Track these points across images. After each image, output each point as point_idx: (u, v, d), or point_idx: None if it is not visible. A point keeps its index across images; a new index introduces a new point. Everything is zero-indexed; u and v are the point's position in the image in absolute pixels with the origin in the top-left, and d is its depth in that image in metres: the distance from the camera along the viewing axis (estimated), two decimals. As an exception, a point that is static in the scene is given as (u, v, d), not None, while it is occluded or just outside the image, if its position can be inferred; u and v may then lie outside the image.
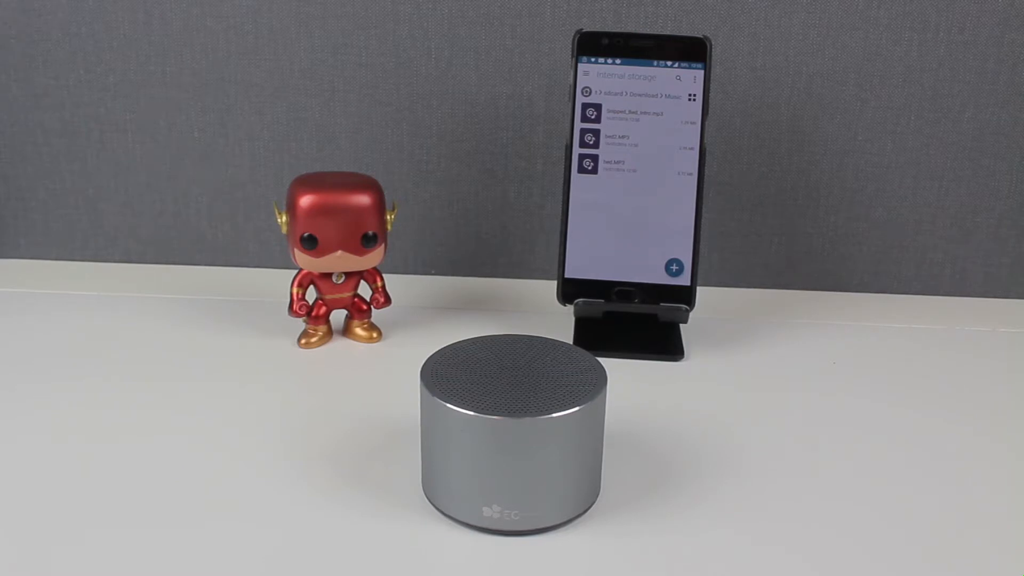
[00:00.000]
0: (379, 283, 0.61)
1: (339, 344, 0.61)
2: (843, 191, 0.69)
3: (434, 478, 0.42)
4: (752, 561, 0.41)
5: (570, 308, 0.62)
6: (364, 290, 0.61)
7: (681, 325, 0.62)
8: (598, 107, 0.60)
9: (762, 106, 0.68)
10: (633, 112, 0.60)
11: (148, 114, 0.70)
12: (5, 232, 0.74)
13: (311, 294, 0.60)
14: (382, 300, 0.60)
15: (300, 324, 0.61)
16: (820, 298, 0.70)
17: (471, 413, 0.39)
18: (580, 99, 0.60)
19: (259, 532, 0.42)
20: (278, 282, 0.63)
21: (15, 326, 0.62)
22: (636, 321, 0.62)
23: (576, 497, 0.42)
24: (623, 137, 0.60)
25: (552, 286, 0.63)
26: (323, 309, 0.60)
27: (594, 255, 0.61)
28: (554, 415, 0.39)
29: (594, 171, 0.61)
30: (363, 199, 0.57)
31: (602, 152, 0.60)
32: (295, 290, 0.59)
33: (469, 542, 0.41)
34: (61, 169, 0.72)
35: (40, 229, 0.74)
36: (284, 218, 0.58)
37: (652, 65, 0.59)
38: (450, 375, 0.42)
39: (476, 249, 0.73)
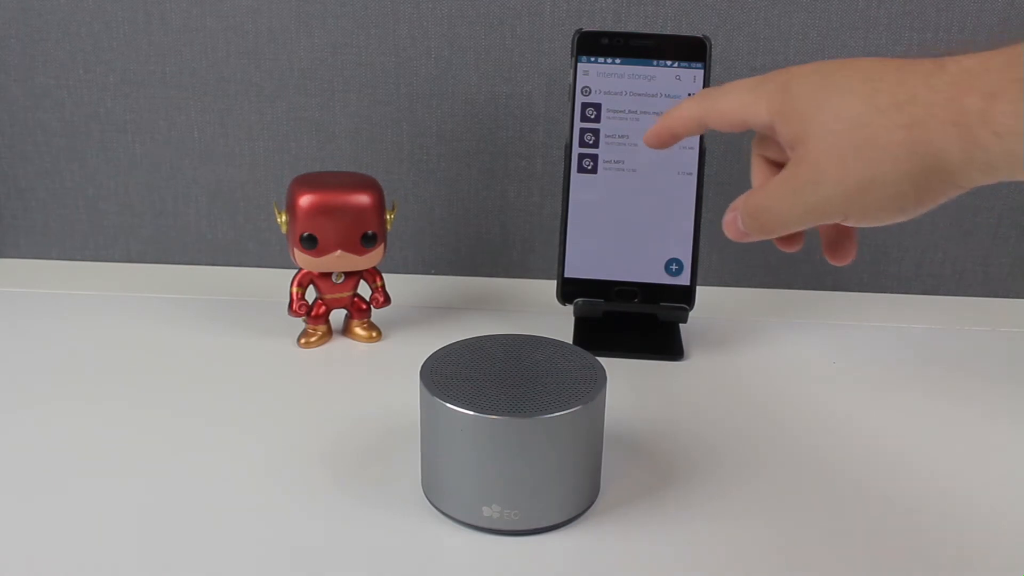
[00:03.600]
0: (379, 283, 0.61)
1: (339, 344, 0.61)
2: (843, 191, 0.69)
3: (434, 478, 0.42)
4: (752, 561, 0.41)
5: (570, 308, 0.62)
6: (364, 290, 0.61)
7: (681, 325, 0.62)
8: (598, 107, 0.60)
9: (762, 106, 0.67)
10: (633, 112, 0.60)
11: (148, 114, 0.70)
12: (5, 232, 0.74)
13: (311, 294, 0.60)
14: (382, 300, 0.60)
15: (300, 324, 0.61)
16: (820, 298, 0.70)
17: (471, 413, 0.39)
18: (580, 99, 0.60)
19: (259, 532, 0.42)
20: (278, 282, 0.63)
21: (15, 326, 0.62)
22: (636, 321, 0.62)
23: (576, 497, 0.42)
24: (623, 137, 0.60)
25: (552, 286, 0.63)
26: (323, 309, 0.60)
27: (594, 255, 0.61)
28: (554, 415, 0.39)
29: (594, 171, 0.61)
30: (363, 199, 0.57)
31: (602, 152, 0.60)
32: (295, 290, 0.59)
33: (469, 542, 0.41)
34: (61, 169, 0.72)
35: (40, 229, 0.74)
36: (284, 218, 0.58)
37: (652, 65, 0.59)
38: (450, 375, 0.42)
39: (476, 249, 0.73)
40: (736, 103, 0.42)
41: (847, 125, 0.37)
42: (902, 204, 0.38)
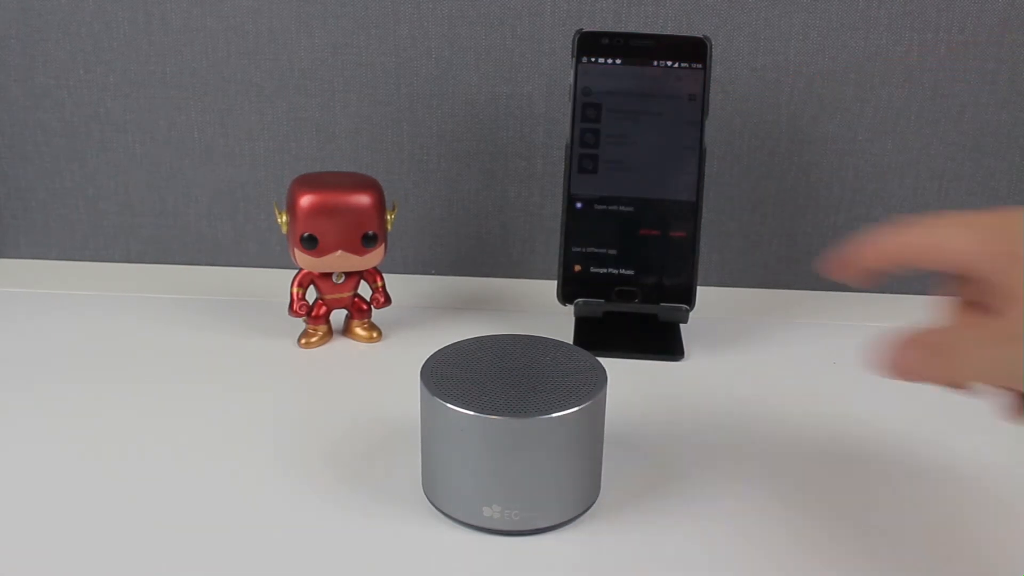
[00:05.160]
0: (379, 283, 0.61)
1: (339, 344, 0.61)
2: (843, 191, 0.69)
3: (434, 478, 0.42)
4: (752, 561, 0.41)
5: (570, 308, 0.62)
6: (364, 290, 0.61)
7: (681, 325, 0.62)
8: (598, 107, 0.60)
9: (762, 106, 0.68)
10: (633, 112, 0.60)
11: (148, 114, 0.70)
12: (5, 232, 0.74)
13: (311, 294, 0.60)
14: (382, 300, 0.60)
15: (300, 324, 0.61)
16: (820, 298, 0.70)
17: (471, 413, 0.39)
18: (580, 99, 0.60)
19: (259, 532, 0.42)
20: (278, 282, 0.63)
21: (15, 326, 0.62)
22: (636, 321, 0.62)
23: (576, 497, 0.42)
24: (623, 137, 0.60)
25: (552, 286, 0.63)
26: (323, 309, 0.60)
27: (594, 255, 0.61)
28: (554, 415, 0.39)
29: (594, 171, 0.60)
30: (363, 199, 0.57)
31: (602, 152, 0.60)
32: (295, 290, 0.59)
33: (469, 542, 0.41)
34: (61, 169, 0.72)
35: (40, 229, 0.74)
36: (284, 218, 0.58)
37: (652, 65, 0.59)
38: (450, 375, 0.42)
39: (476, 249, 0.73)
40: (950, 238, 0.36)
41: None
42: None
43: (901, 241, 0.38)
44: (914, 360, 0.37)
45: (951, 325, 0.37)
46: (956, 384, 0.37)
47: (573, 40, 0.59)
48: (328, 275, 0.59)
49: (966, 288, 0.39)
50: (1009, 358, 0.34)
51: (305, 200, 0.56)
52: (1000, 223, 0.35)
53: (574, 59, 0.59)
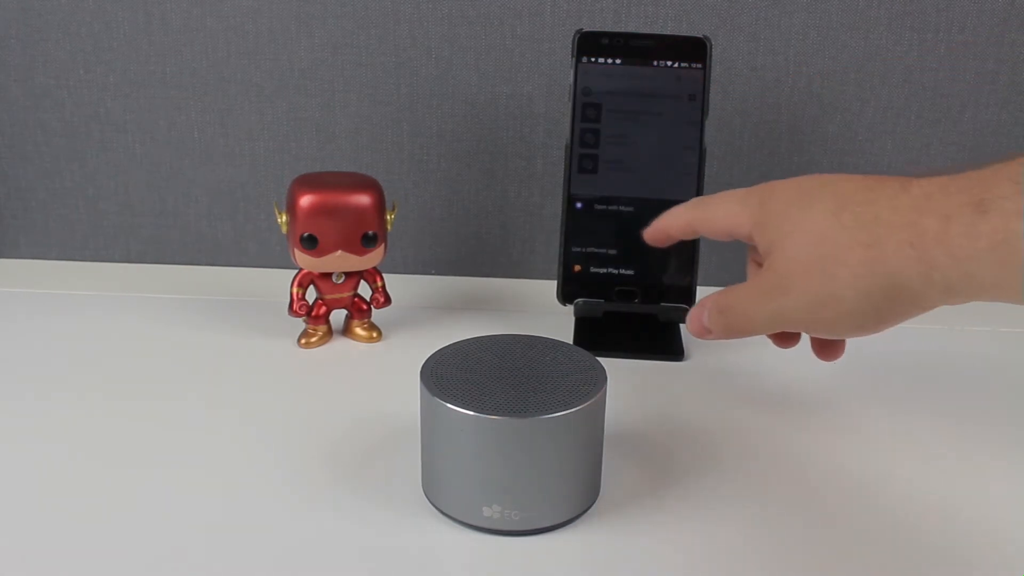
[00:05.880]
0: (379, 283, 0.61)
1: (339, 344, 0.61)
2: (843, 191, 0.69)
3: (434, 478, 0.42)
4: (752, 561, 0.41)
5: (570, 308, 0.62)
6: (364, 290, 0.61)
7: (681, 325, 0.62)
8: (598, 107, 0.60)
9: (762, 106, 0.68)
10: (633, 112, 0.60)
11: (148, 114, 0.70)
12: (5, 232, 0.74)
13: (311, 294, 0.60)
14: (382, 300, 0.60)
15: (300, 324, 0.61)
16: (820, 298, 0.70)
17: (471, 413, 0.39)
18: (580, 99, 0.60)
19: (259, 532, 0.42)
20: (278, 282, 0.63)
21: (15, 326, 0.62)
22: (636, 321, 0.62)
23: (576, 497, 0.42)
24: (623, 137, 0.60)
25: (552, 286, 0.63)
26: (323, 309, 0.60)
27: (594, 255, 0.61)
28: (554, 415, 0.39)
29: (594, 171, 0.60)
30: (363, 199, 0.57)
31: (602, 152, 0.60)
32: (295, 290, 0.59)
33: (469, 542, 0.41)
34: (61, 169, 0.72)
35: (40, 229, 0.74)
36: (284, 218, 0.58)
37: (652, 65, 0.59)
38: (450, 375, 0.42)
39: (476, 249, 0.73)
40: (723, 214, 0.43)
41: (813, 240, 0.39)
42: (861, 321, 0.39)
43: (686, 216, 0.46)
44: (706, 320, 0.43)
45: (732, 288, 0.43)
46: (742, 335, 0.43)
47: (573, 40, 0.59)
48: (328, 275, 0.59)
49: (754, 252, 0.45)
50: (776, 308, 0.40)
51: (305, 200, 0.56)
52: (759, 196, 0.42)
53: (574, 59, 0.59)
